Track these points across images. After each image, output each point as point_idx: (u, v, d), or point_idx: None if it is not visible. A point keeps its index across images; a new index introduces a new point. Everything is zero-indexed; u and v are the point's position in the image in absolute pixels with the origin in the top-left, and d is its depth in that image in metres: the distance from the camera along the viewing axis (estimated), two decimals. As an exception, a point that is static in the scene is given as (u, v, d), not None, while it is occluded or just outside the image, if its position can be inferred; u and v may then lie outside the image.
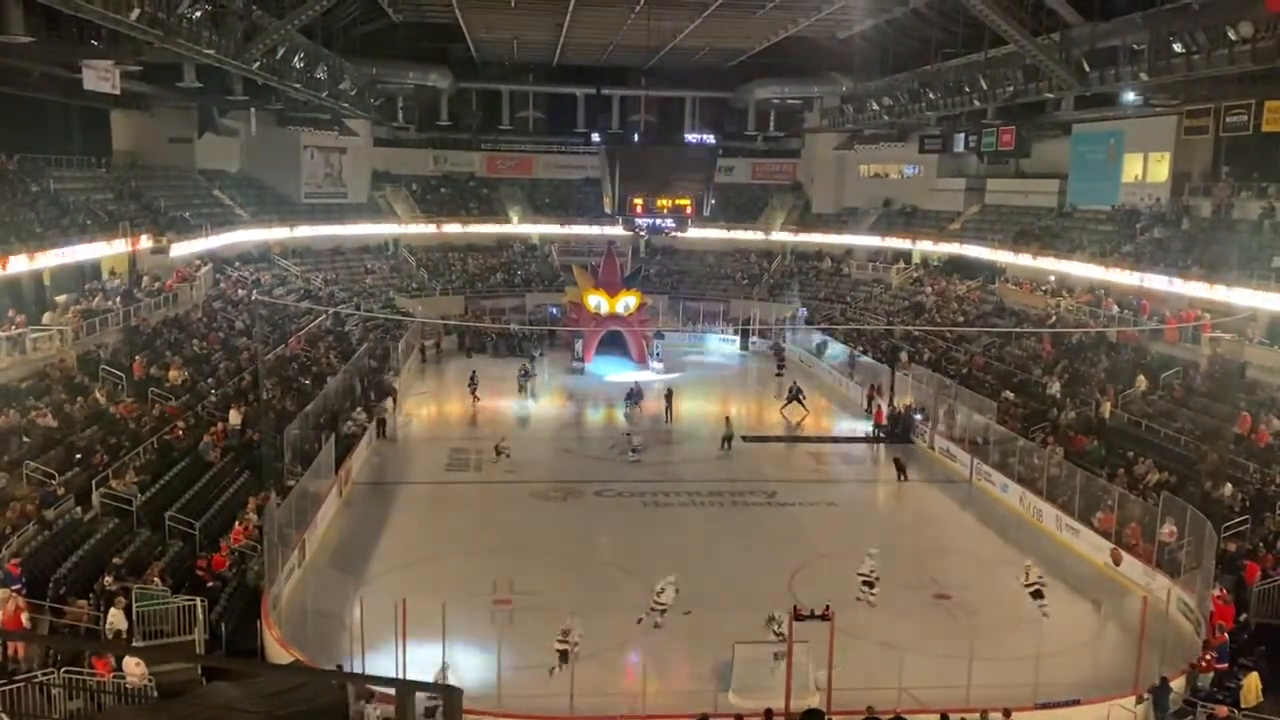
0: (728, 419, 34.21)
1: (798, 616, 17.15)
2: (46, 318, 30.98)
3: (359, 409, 32.83)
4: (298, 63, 35.67)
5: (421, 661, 16.80)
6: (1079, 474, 25.68)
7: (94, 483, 22.49)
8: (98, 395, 27.41)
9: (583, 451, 33.92)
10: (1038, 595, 20.54)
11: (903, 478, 30.67)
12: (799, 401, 37.21)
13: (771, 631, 18.18)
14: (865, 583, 20.58)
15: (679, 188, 52.50)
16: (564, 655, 17.44)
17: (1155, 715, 17.04)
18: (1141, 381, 32.13)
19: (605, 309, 45.47)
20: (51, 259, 31.61)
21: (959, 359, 39.76)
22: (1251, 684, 17.30)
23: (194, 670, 16.40)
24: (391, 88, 52.95)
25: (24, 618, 16.85)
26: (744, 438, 34.97)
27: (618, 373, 43.97)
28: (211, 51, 28.93)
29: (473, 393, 38.10)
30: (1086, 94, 33.82)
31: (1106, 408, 31.28)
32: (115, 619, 17.27)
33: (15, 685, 15.12)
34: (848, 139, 57.60)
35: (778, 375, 43.70)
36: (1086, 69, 30.44)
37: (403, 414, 36.60)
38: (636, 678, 17.38)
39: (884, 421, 35.60)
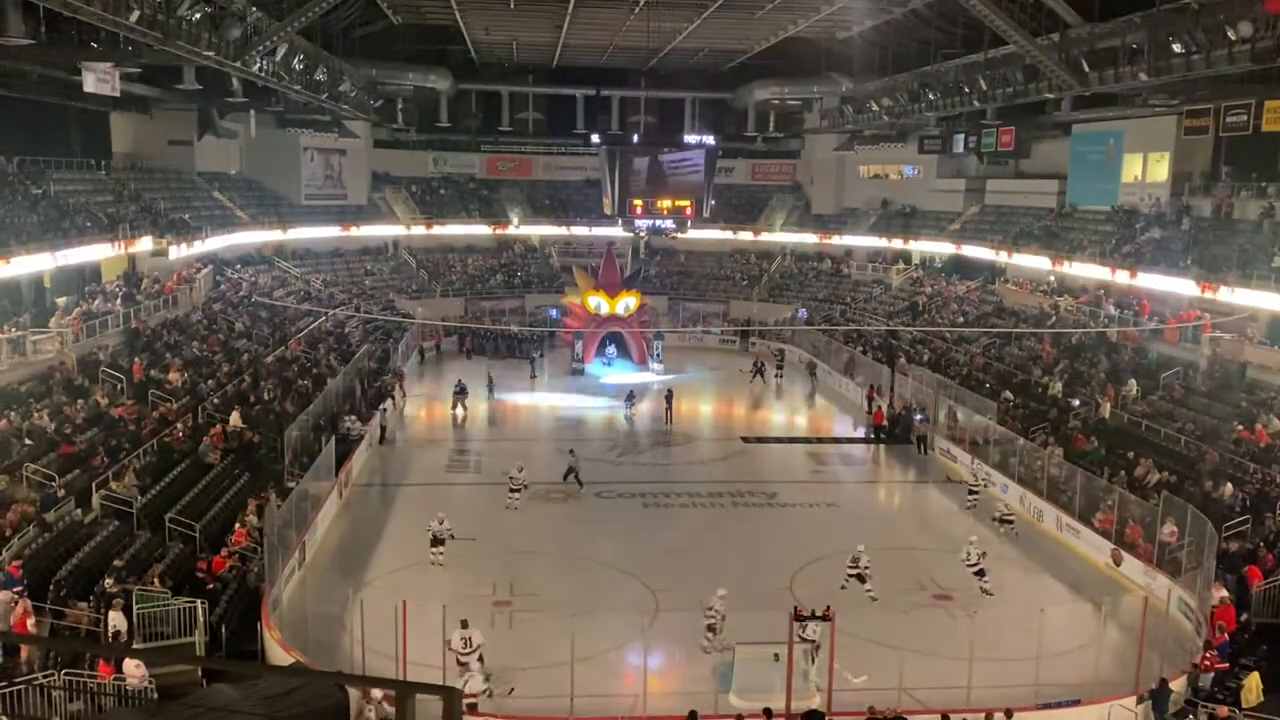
0: (572, 451, 29.80)
1: (798, 617, 17.15)
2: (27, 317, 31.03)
3: (354, 416, 32.44)
4: (297, 65, 35.69)
5: (423, 662, 16.78)
6: (1079, 474, 25.69)
7: (94, 485, 22.50)
8: (98, 397, 27.41)
9: (582, 453, 33.88)
10: (980, 574, 22.15)
11: (923, 451, 33.20)
12: (761, 375, 42.75)
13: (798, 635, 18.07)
14: (857, 576, 21.45)
15: (678, 189, 52.47)
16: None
17: (1155, 716, 17.03)
18: (1133, 386, 32.12)
19: (605, 310, 45.50)
20: (52, 261, 31.62)
21: (959, 359, 39.77)
22: (1252, 684, 17.30)
23: (194, 672, 16.41)
24: (391, 89, 52.97)
25: (29, 622, 16.84)
26: (744, 439, 35.00)
27: (617, 374, 44.00)
28: (211, 54, 28.93)
29: (398, 386, 38.14)
30: (1086, 94, 33.82)
31: (1106, 408, 31.28)
32: (116, 621, 17.27)
33: (16, 687, 15.13)
34: (847, 140, 57.60)
35: (758, 373, 44.21)
36: (1086, 69, 30.46)
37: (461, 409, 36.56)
38: (636, 679, 17.37)
39: (883, 422, 35.59)
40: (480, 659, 17.61)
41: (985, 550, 22.53)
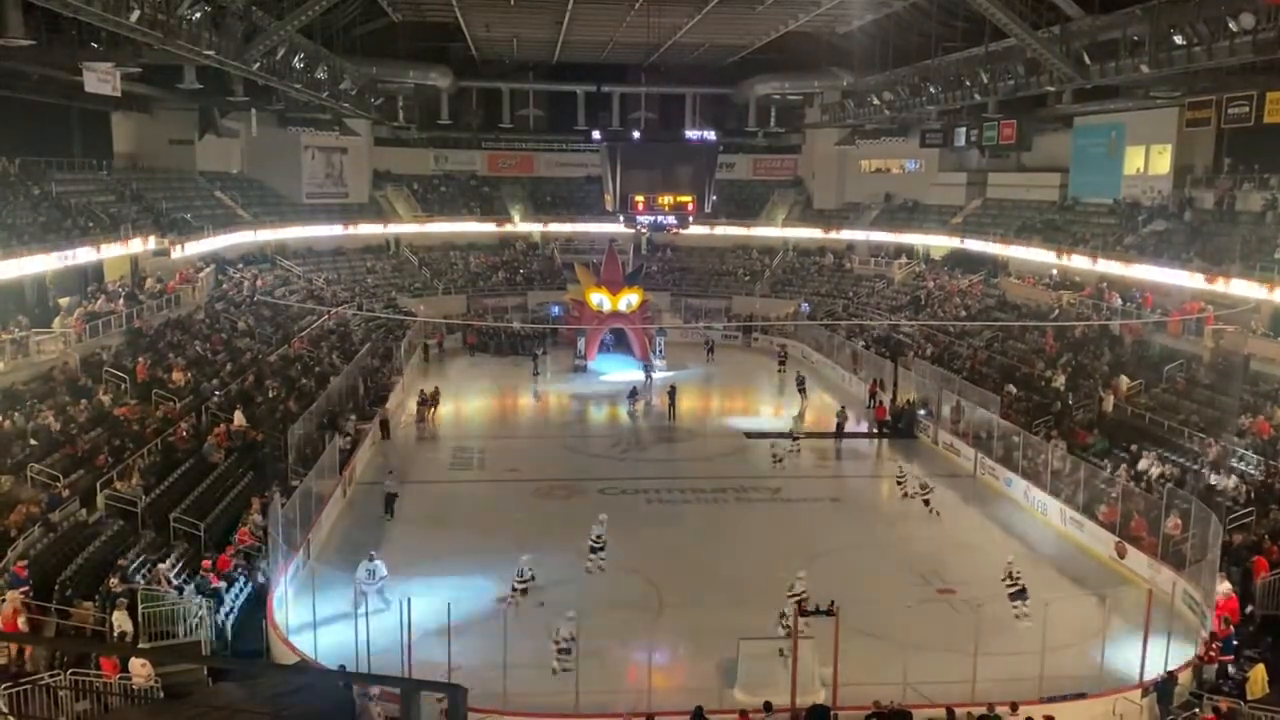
0: (391, 472, 27.71)
1: (803, 612, 17.18)
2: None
3: (351, 419, 32.09)
4: (298, 63, 35.65)
5: (427, 659, 16.80)
6: (1083, 467, 25.67)
7: (98, 485, 22.54)
8: (101, 397, 27.46)
9: (585, 449, 33.96)
10: (1019, 594, 20.59)
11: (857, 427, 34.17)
12: (711, 353, 46.98)
13: (780, 626, 18.17)
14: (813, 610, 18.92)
15: (680, 184, 52.44)
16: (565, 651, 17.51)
17: (1159, 708, 17.04)
18: (1125, 382, 32.04)
19: (607, 307, 45.49)
20: (54, 262, 31.66)
21: (962, 353, 39.76)
22: (1258, 676, 17.30)
23: (199, 671, 16.45)
24: (392, 87, 52.91)
25: (20, 620, 16.83)
26: (747, 434, 35.01)
27: (620, 371, 44.01)
28: (211, 53, 28.91)
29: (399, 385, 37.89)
30: (1087, 87, 33.78)
31: (1109, 401, 31.26)
32: (121, 620, 17.30)
33: (22, 687, 15.17)
34: (849, 134, 57.53)
35: (709, 360, 46.60)
36: (1087, 62, 30.42)
37: (406, 414, 36.56)
38: (641, 675, 17.39)
39: (886, 417, 35.59)
40: (380, 591, 19.79)
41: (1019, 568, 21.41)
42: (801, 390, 39.03)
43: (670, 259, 59.43)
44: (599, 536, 22.61)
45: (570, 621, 17.87)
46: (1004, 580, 20.79)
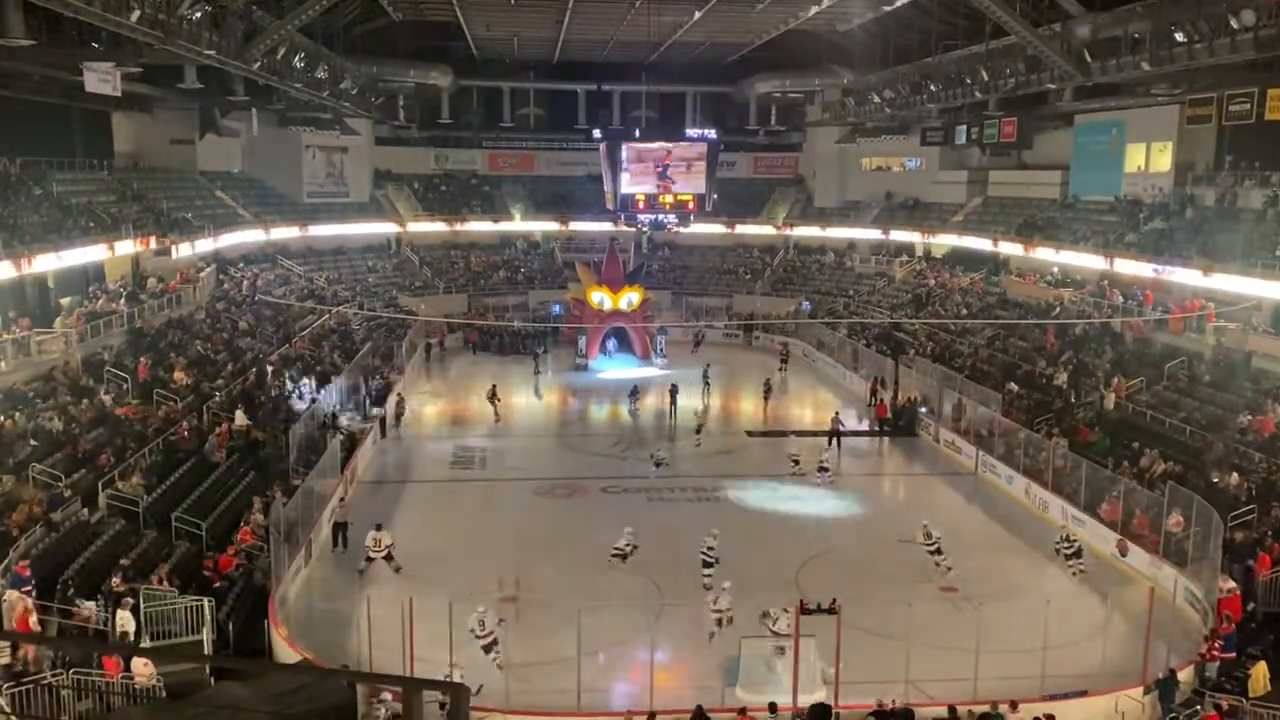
0: (343, 500, 26.20)
1: (804, 610, 17.15)
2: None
3: (353, 417, 32.19)
4: (298, 63, 35.62)
5: (429, 659, 16.80)
6: (1084, 465, 25.67)
7: (100, 484, 22.55)
8: (103, 397, 27.46)
9: (586, 448, 33.96)
10: (1075, 554, 22.87)
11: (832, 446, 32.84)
12: (697, 346, 47.22)
13: (766, 628, 18.20)
14: (932, 552, 22.50)
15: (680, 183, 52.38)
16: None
17: (1161, 706, 17.04)
18: (1122, 381, 31.99)
19: (608, 305, 45.48)
20: (55, 262, 31.67)
21: (963, 351, 39.72)
22: (1259, 673, 17.29)
23: (202, 670, 16.47)
24: (392, 86, 52.89)
25: (31, 620, 16.88)
26: (749, 433, 35.05)
27: (621, 369, 44.02)
28: (212, 52, 28.90)
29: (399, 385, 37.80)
30: (1088, 84, 33.75)
31: (1110, 399, 31.24)
32: (123, 620, 17.32)
33: (24, 687, 15.18)
34: (849, 132, 57.45)
35: (693, 352, 46.58)
36: (1088, 59, 30.39)
37: (407, 413, 36.54)
38: (642, 673, 17.39)
39: (887, 415, 35.56)
40: (389, 557, 21.53)
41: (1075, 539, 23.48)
42: (766, 395, 38.97)
43: (671, 257, 59.41)
44: (710, 549, 21.99)
45: (726, 593, 19.10)
46: (1059, 543, 23.16)
